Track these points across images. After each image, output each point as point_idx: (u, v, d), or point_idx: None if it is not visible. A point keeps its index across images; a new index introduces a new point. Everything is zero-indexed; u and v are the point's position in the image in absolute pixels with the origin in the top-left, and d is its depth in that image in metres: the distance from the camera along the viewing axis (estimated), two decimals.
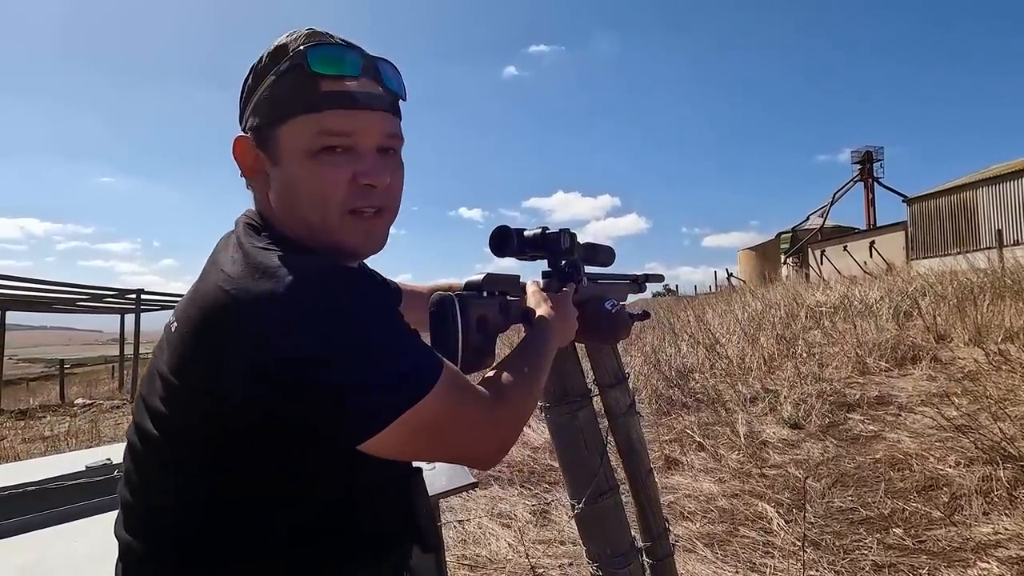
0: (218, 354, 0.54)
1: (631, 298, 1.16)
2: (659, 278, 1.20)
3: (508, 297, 0.79)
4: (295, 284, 0.53)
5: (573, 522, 0.99)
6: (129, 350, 13.91)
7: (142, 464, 0.62)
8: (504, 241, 0.83)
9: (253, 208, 0.68)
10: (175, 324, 0.60)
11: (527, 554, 2.37)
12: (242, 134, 0.64)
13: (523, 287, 0.85)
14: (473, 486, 1.27)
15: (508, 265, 0.91)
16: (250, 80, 0.63)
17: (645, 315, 1.10)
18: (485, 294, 0.74)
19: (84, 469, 1.42)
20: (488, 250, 0.84)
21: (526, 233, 0.85)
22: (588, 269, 0.97)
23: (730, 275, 20.86)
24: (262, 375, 0.52)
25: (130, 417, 0.67)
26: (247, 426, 0.54)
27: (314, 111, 0.59)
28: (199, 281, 0.61)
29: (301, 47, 0.60)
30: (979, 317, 5.04)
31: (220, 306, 0.55)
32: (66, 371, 15.12)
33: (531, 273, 0.92)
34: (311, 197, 0.61)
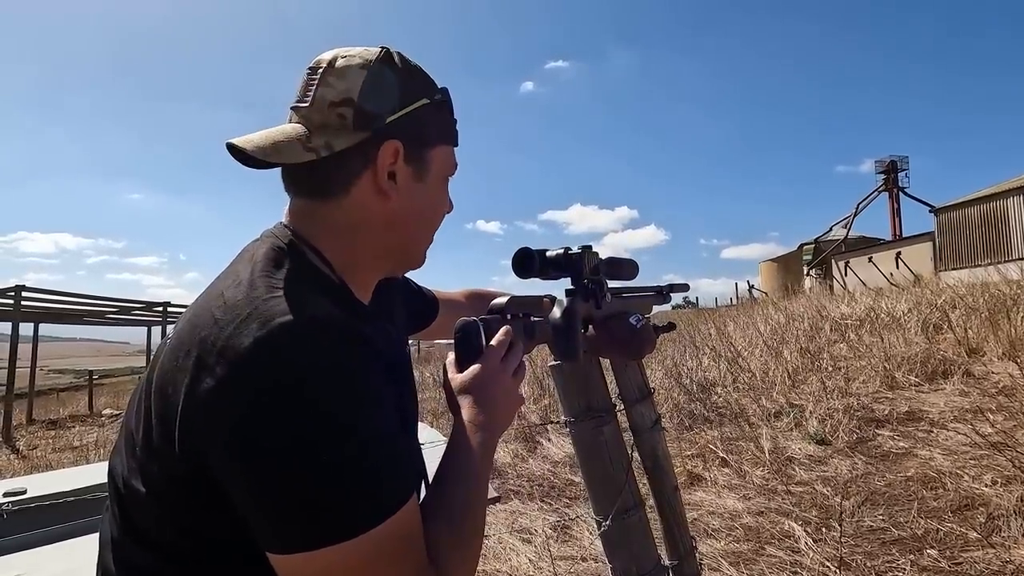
0: (183, 384, 0.49)
1: (654, 309, 1.15)
2: (684, 287, 1.19)
3: (532, 319, 0.79)
4: (283, 346, 0.48)
5: (595, 538, 0.98)
6: None
7: (120, 496, 0.57)
8: (527, 263, 0.84)
9: (284, 221, 0.63)
10: (169, 339, 0.56)
11: (554, 571, 2.34)
12: (394, 140, 0.60)
13: (548, 308, 0.85)
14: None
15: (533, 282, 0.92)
16: (370, 81, 0.59)
17: (671, 327, 1.09)
18: (509, 317, 0.75)
19: None
20: (506, 263, 0.85)
21: (548, 254, 0.86)
22: (611, 283, 0.97)
23: (751, 287, 20.57)
24: (205, 427, 0.48)
25: None
26: (186, 475, 0.50)
27: (454, 145, 0.68)
28: (204, 294, 0.57)
29: (439, 87, 0.67)
30: (1013, 330, 4.88)
31: (201, 337, 0.50)
32: (95, 382, 15.45)
33: (551, 291, 0.93)
34: (433, 218, 0.68)
